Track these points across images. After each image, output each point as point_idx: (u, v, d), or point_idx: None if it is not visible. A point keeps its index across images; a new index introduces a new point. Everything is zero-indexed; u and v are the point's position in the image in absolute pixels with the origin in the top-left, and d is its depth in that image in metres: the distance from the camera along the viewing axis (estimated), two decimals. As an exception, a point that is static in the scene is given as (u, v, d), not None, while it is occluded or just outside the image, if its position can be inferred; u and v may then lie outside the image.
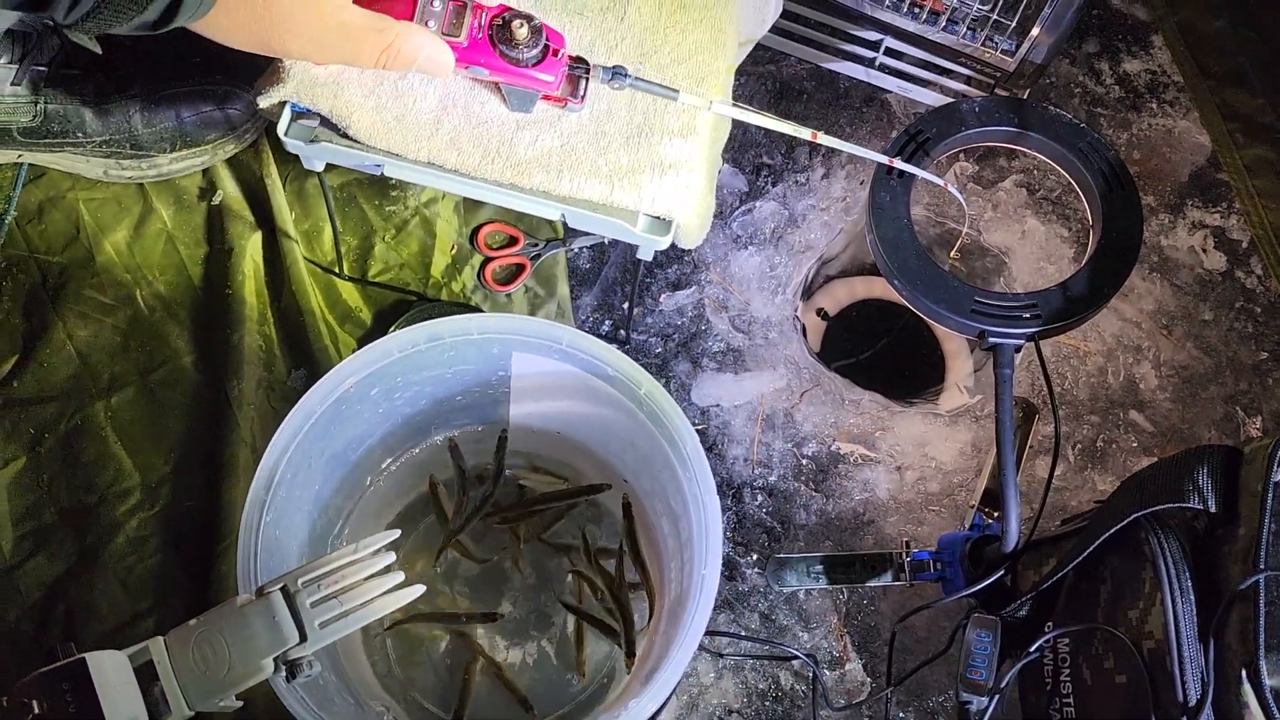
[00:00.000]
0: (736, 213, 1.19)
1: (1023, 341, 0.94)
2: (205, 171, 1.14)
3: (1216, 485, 0.79)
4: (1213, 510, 0.78)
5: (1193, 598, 0.76)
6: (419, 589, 0.72)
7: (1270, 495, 0.75)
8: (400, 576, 0.71)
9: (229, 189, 1.13)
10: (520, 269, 1.14)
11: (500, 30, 0.81)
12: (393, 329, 1.08)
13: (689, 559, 0.83)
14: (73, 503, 1.01)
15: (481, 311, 1.11)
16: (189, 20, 0.73)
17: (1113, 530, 0.81)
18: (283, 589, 0.69)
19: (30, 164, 1.12)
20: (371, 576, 0.71)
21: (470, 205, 1.17)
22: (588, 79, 0.86)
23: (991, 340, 0.94)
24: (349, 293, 1.12)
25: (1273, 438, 0.77)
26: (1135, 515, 0.80)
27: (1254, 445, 0.79)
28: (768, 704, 1.02)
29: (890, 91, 1.24)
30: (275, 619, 0.68)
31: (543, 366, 0.87)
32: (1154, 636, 0.78)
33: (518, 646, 0.98)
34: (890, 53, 1.19)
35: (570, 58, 0.85)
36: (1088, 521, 0.93)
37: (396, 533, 0.73)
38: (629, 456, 0.93)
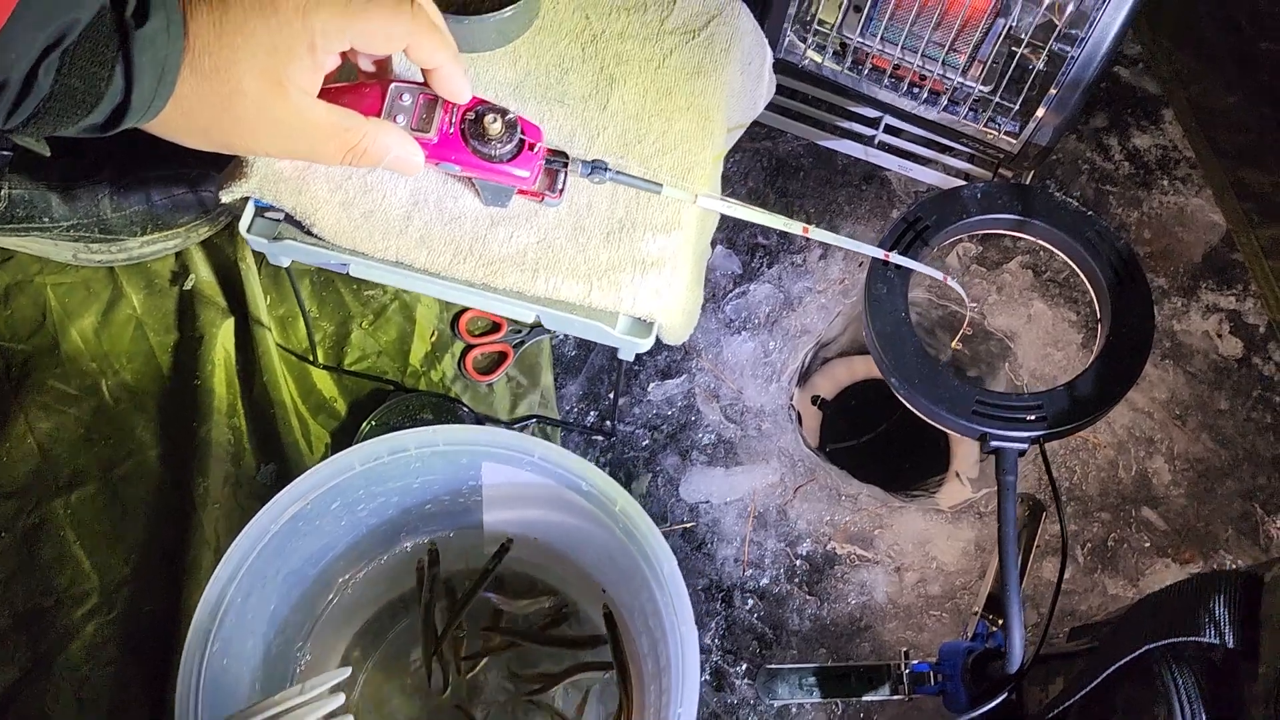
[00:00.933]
0: (730, 296, 1.15)
1: (1026, 446, 0.89)
2: (178, 255, 1.10)
3: (1234, 616, 0.73)
4: (1230, 645, 0.72)
5: (1211, 742, 0.70)
6: (370, 735, 0.67)
7: (1295, 629, 0.69)
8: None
9: (202, 273, 1.09)
10: (503, 357, 1.09)
11: (473, 125, 0.77)
12: (367, 423, 1.03)
13: (666, 687, 0.78)
14: (28, 606, 0.96)
15: (461, 403, 1.07)
16: (140, 121, 0.69)
17: (1122, 663, 0.76)
18: (222, 735, 0.64)
19: (-2, 247, 1.08)
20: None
21: (452, 289, 1.12)
22: (566, 173, 0.82)
23: (994, 444, 0.89)
24: (324, 382, 1.07)
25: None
26: (1147, 647, 0.74)
27: (1275, 571, 0.73)
28: (758, 827, 0.96)
29: (890, 170, 1.20)
30: (213, 771, 0.63)
31: (514, 477, 0.82)
32: (1170, 779, 0.72)
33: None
34: (890, 130, 1.15)
35: (548, 150, 0.81)
36: (1097, 643, 0.87)
37: (346, 671, 0.68)
38: (607, 569, 0.87)
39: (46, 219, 1.02)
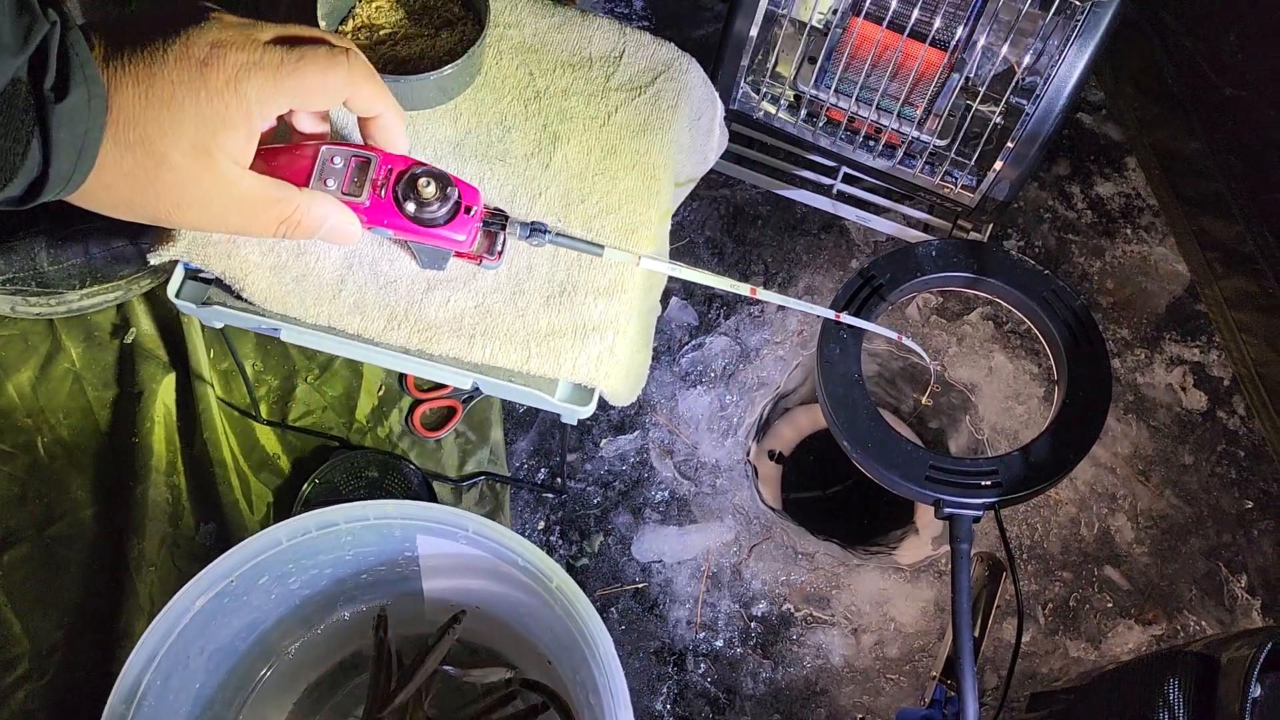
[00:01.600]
0: (685, 349, 1.13)
1: (981, 513, 0.87)
2: (120, 307, 1.07)
3: (1188, 700, 0.71)
4: (1184, 731, 0.70)
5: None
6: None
7: (1249, 716, 0.67)
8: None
9: (144, 326, 1.06)
10: (451, 412, 1.07)
11: (406, 188, 0.74)
12: (308, 484, 1.01)
13: (609, 770, 0.75)
14: (-44, 674, 0.93)
15: (408, 459, 1.04)
16: (58, 195, 0.67)
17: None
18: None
19: (-66, 298, 1.05)
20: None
21: (402, 341, 1.10)
22: (505, 234, 0.80)
23: (948, 511, 0.87)
24: (267, 438, 1.05)
25: (1249, 642, 0.69)
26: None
27: (1230, 654, 0.71)
28: None
29: (848, 220, 1.18)
30: None
31: (450, 549, 0.79)
32: None
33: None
34: (849, 179, 1.14)
35: (486, 210, 0.79)
36: (1052, 717, 0.85)
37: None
38: (548, 640, 0.85)
39: (-19, 272, 0.99)
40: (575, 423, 0.85)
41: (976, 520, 0.88)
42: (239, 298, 0.80)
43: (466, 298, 0.81)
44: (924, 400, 1.14)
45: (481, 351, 0.79)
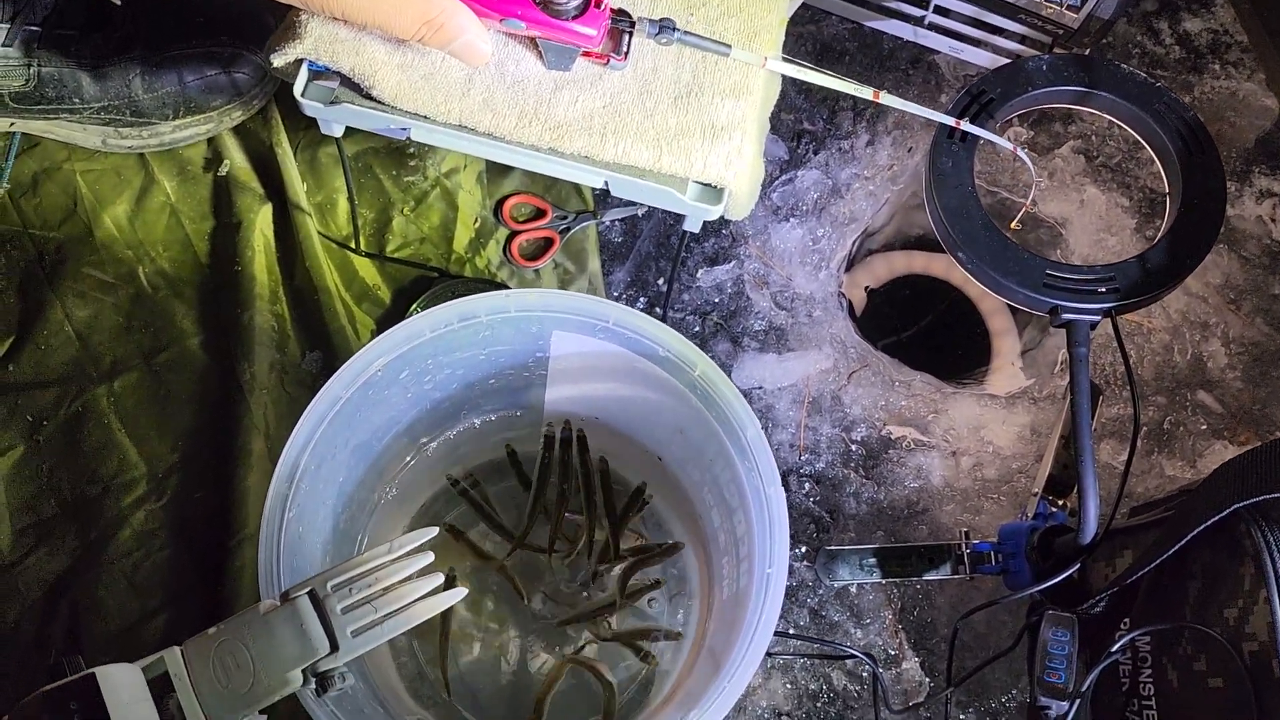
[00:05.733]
0: (776, 183, 1.12)
1: (1099, 318, 0.87)
2: (210, 141, 1.06)
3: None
4: (1324, 501, 0.71)
5: (1306, 598, 0.69)
6: (461, 592, 0.65)
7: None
8: (439, 578, 0.65)
9: (236, 159, 1.05)
10: (549, 243, 1.07)
11: (540, -22, 0.74)
12: (414, 307, 1.01)
13: (746, 554, 0.77)
14: (75, 495, 0.94)
15: (508, 288, 1.04)
16: None
17: (1209, 522, 0.75)
18: (310, 594, 0.63)
19: (23, 133, 1.04)
20: (409, 579, 0.64)
21: (494, 176, 1.09)
22: (632, 34, 0.79)
23: (1065, 316, 0.87)
24: (366, 269, 1.05)
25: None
26: (1236, 506, 0.74)
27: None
28: (819, 705, 0.95)
29: (939, 52, 1.16)
30: (303, 627, 0.61)
31: (584, 346, 0.80)
32: (1257, 639, 0.72)
33: (547, 651, 0.91)
34: (940, 10, 1.12)
35: (612, 10, 0.78)
36: (1171, 511, 0.87)
37: (434, 530, 0.66)
38: (675, 444, 0.86)
39: (76, 99, 0.98)
40: (698, 228, 0.84)
41: (1093, 326, 0.89)
42: (367, 97, 0.79)
43: (595, 98, 0.80)
44: (1013, 225, 1.13)
45: (614, 149, 0.79)
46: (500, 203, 1.07)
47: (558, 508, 0.90)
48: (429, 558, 0.65)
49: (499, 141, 0.79)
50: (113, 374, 0.98)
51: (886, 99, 0.85)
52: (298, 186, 1.04)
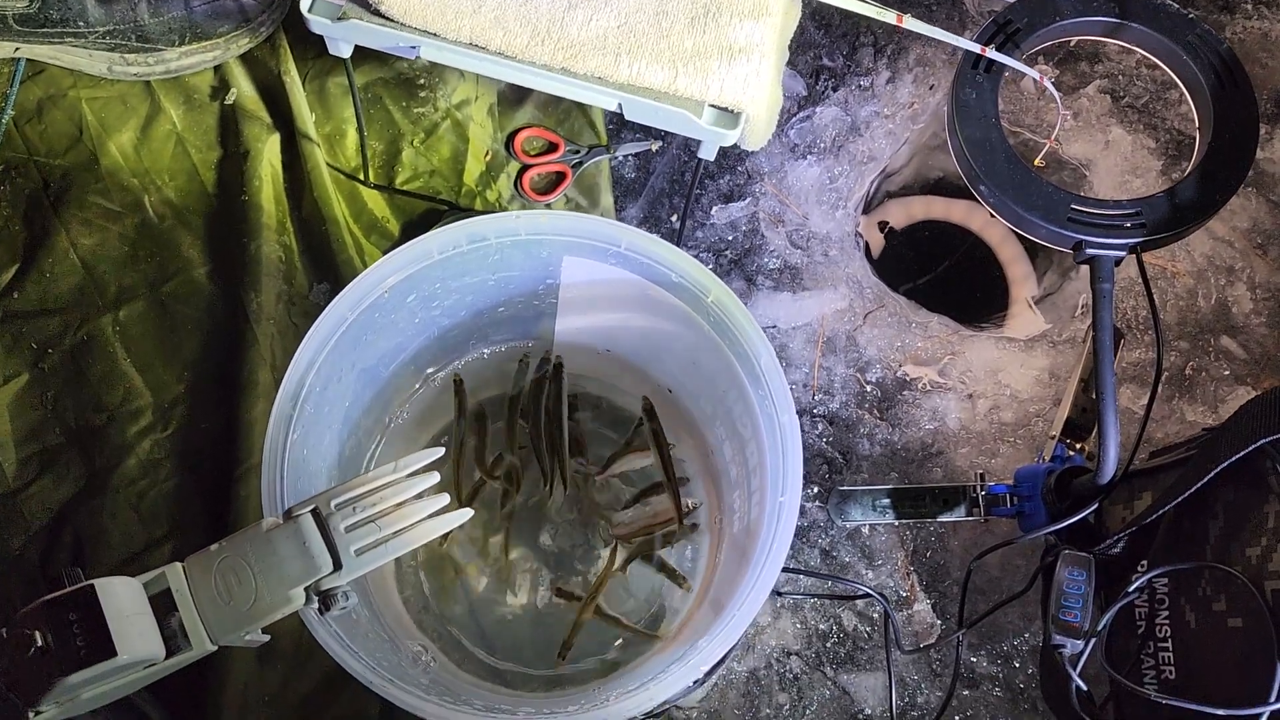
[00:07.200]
0: (794, 119, 1.10)
1: (1124, 254, 0.85)
2: (217, 69, 1.04)
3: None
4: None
5: (1333, 533, 0.68)
6: (467, 513, 0.64)
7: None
8: (445, 499, 0.63)
9: (243, 88, 1.03)
10: (561, 177, 1.05)
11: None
12: (425, 238, 0.99)
13: (758, 486, 0.75)
14: (80, 423, 0.93)
15: (519, 222, 1.02)
16: None
17: (1233, 459, 0.73)
18: (314, 512, 0.62)
19: (28, 59, 1.02)
20: (413, 499, 0.63)
21: (506, 108, 1.07)
22: (648, -50, 0.77)
23: (1089, 252, 0.85)
24: (375, 202, 1.03)
25: None
26: (1262, 442, 0.72)
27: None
28: (829, 645, 0.94)
29: (963, -12, 1.13)
30: (306, 545, 0.60)
31: (596, 273, 0.78)
32: (1280, 575, 0.70)
33: (561, 582, 0.90)
34: (965, -57, 1.09)
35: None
36: (1193, 451, 0.85)
37: (440, 450, 0.65)
38: (688, 377, 0.84)
39: (81, 23, 0.96)
40: (714, 156, 0.82)
41: (1118, 263, 0.87)
42: (376, 13, 0.77)
43: (609, 17, 0.78)
44: (1037, 161, 1.11)
45: (628, 70, 0.77)
46: (512, 136, 1.05)
47: (546, 440, 0.88)
48: (435, 478, 0.64)
49: (510, 61, 0.77)
50: (118, 303, 0.97)
51: (911, 23, 0.83)
52: (306, 116, 1.02)
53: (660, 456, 0.86)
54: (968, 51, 0.87)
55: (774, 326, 1.03)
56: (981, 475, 0.94)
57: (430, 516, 0.63)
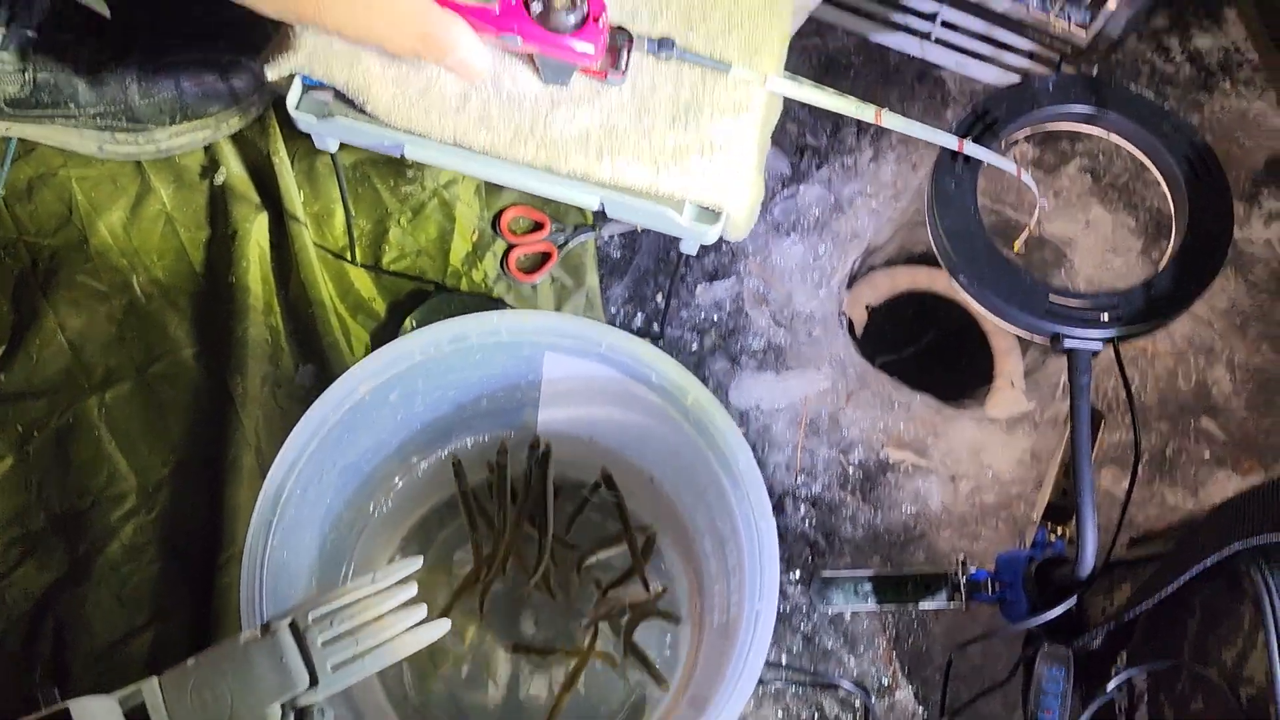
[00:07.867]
0: (778, 198, 1.11)
1: (1101, 346, 0.86)
2: (208, 149, 1.05)
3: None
4: (1327, 544, 0.70)
5: (1305, 644, 0.68)
6: (445, 625, 0.64)
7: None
8: (423, 611, 0.64)
9: (233, 167, 1.04)
10: (546, 257, 1.05)
11: (537, -8, 0.73)
12: (409, 320, 1.00)
13: (737, 586, 0.75)
14: (64, 507, 0.93)
15: (504, 303, 1.03)
16: None
17: (1210, 562, 0.73)
18: (291, 625, 0.62)
19: (19, 138, 1.03)
20: (391, 611, 0.63)
21: (492, 188, 1.08)
22: (630, 50, 0.78)
23: (1067, 344, 0.86)
24: (362, 281, 1.03)
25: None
26: (1237, 547, 0.72)
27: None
28: (812, 732, 0.94)
29: (945, 68, 1.15)
30: (283, 660, 0.60)
31: (578, 369, 0.79)
32: (1254, 682, 0.70)
33: (542, 672, 0.90)
34: (946, 25, 1.10)
35: (611, 26, 0.77)
36: (1172, 546, 0.85)
37: (419, 561, 0.65)
38: (669, 468, 0.85)
39: (72, 104, 0.97)
40: (695, 250, 0.83)
41: (1095, 354, 0.88)
42: (362, 112, 0.78)
43: (592, 115, 0.79)
44: (1016, 247, 1.12)
45: (610, 169, 0.78)
46: (498, 215, 1.06)
47: (529, 527, 0.88)
48: (412, 590, 0.64)
49: (493, 160, 0.78)
50: (105, 385, 0.97)
51: (889, 120, 0.84)
52: (294, 196, 1.03)
53: (622, 519, 0.86)
54: (946, 143, 0.89)
55: (757, 407, 1.03)
56: (963, 560, 0.94)
57: (408, 630, 0.63)
